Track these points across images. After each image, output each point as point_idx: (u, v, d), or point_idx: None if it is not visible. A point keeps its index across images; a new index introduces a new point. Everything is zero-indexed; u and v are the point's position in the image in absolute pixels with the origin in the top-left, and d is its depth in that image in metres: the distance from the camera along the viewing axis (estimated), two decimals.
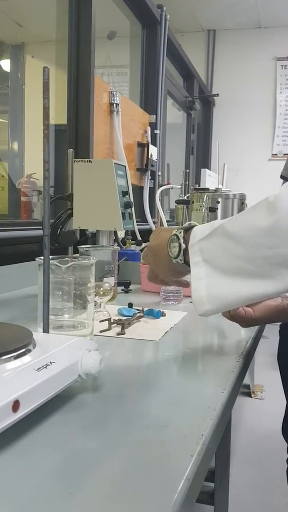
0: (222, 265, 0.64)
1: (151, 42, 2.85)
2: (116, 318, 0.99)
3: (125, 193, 1.31)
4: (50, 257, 0.69)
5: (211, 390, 0.63)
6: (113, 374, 0.68)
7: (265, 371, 2.97)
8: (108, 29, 3.07)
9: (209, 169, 3.53)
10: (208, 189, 1.74)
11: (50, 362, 0.54)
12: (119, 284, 1.31)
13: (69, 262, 0.80)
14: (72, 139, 1.93)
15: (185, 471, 0.43)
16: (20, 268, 1.39)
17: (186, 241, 0.69)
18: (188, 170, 3.66)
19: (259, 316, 0.80)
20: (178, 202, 2.33)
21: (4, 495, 0.40)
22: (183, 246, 0.70)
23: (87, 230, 1.49)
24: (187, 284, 0.80)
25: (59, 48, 2.18)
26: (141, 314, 1.04)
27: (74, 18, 1.91)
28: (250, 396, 2.90)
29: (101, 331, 0.90)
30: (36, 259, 0.77)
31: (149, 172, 2.66)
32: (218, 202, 1.63)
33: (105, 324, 0.92)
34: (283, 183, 1.04)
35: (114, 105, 2.13)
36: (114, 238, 1.40)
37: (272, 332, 1.48)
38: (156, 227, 2.32)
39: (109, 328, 0.92)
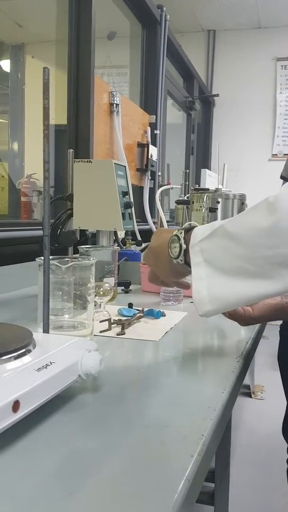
0: (223, 266, 0.64)
1: (151, 42, 2.85)
2: (116, 318, 0.99)
3: (125, 193, 1.31)
4: (50, 257, 0.69)
5: (211, 390, 0.63)
6: (113, 374, 0.68)
7: (265, 371, 2.97)
8: (108, 29, 3.07)
9: (209, 169, 3.53)
10: (208, 189, 1.73)
11: (50, 363, 0.54)
12: (119, 284, 1.31)
13: (69, 262, 0.80)
14: (72, 139, 1.93)
15: (185, 471, 0.43)
16: (20, 268, 1.39)
17: (187, 241, 0.69)
18: (188, 170, 3.66)
19: (258, 315, 0.80)
20: (178, 202, 2.33)
21: (4, 495, 0.40)
22: (184, 246, 0.70)
23: (87, 230, 1.49)
24: (187, 286, 0.80)
25: (59, 48, 2.19)
26: (141, 314, 1.04)
27: (74, 18, 1.91)
28: (250, 397, 2.90)
29: (101, 331, 0.90)
30: (36, 259, 0.77)
31: (149, 172, 2.66)
32: (218, 202, 1.63)
33: (105, 325, 0.92)
34: (283, 183, 1.04)
35: (114, 105, 2.13)
36: (114, 238, 1.40)
37: (272, 333, 1.48)
38: (156, 227, 2.32)
39: (109, 329, 0.92)
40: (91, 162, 1.29)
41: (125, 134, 2.29)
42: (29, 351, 0.54)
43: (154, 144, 2.73)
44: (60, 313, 0.82)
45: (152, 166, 2.67)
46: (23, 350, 0.53)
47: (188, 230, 0.70)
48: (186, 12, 4.52)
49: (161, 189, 1.76)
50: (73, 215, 1.30)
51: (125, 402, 0.61)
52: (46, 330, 0.67)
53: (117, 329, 0.92)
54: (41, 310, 0.67)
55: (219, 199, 1.63)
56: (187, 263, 0.69)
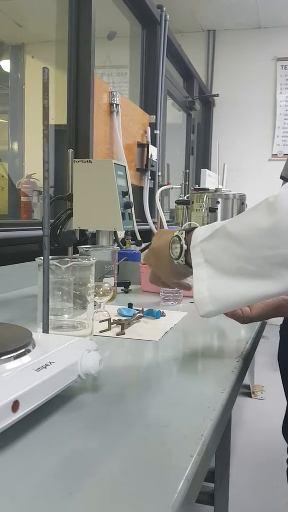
0: (224, 266, 0.64)
1: (151, 42, 2.85)
2: (116, 318, 0.99)
3: (125, 193, 1.31)
4: (50, 257, 0.69)
5: (211, 390, 0.63)
6: (113, 374, 0.68)
7: (265, 371, 2.97)
8: (108, 29, 3.07)
9: (209, 169, 3.53)
10: (208, 189, 1.73)
11: (50, 362, 0.54)
12: (119, 284, 1.31)
13: (69, 262, 0.80)
14: (72, 139, 1.93)
15: (185, 471, 0.43)
16: (20, 268, 1.39)
17: (188, 242, 0.69)
18: (188, 170, 3.66)
19: (256, 314, 0.81)
20: (178, 202, 2.33)
21: (4, 495, 0.40)
22: (185, 247, 0.70)
23: (87, 230, 1.49)
24: (188, 287, 0.80)
25: (59, 48, 2.19)
26: (141, 314, 1.04)
27: (74, 18, 1.91)
28: (250, 397, 2.90)
29: (100, 331, 0.90)
30: (36, 259, 0.77)
31: (149, 172, 2.66)
32: (218, 202, 1.63)
33: (105, 324, 0.92)
34: (283, 183, 1.04)
35: (114, 105, 2.13)
36: (114, 238, 1.40)
37: (272, 333, 1.48)
38: (156, 227, 2.32)
39: (109, 328, 0.92)
40: (91, 162, 1.29)
41: (125, 134, 2.29)
42: (28, 351, 0.54)
43: (154, 144, 2.73)
44: (59, 313, 0.82)
45: (152, 166, 2.67)
46: (23, 350, 0.53)
47: (189, 231, 0.70)
48: (186, 12, 4.53)
49: (161, 189, 1.75)
50: (72, 215, 1.30)
51: (125, 402, 0.61)
52: (45, 330, 0.67)
53: (117, 329, 0.92)
54: (41, 310, 0.67)
55: (219, 199, 1.63)
56: (188, 263, 0.69)
